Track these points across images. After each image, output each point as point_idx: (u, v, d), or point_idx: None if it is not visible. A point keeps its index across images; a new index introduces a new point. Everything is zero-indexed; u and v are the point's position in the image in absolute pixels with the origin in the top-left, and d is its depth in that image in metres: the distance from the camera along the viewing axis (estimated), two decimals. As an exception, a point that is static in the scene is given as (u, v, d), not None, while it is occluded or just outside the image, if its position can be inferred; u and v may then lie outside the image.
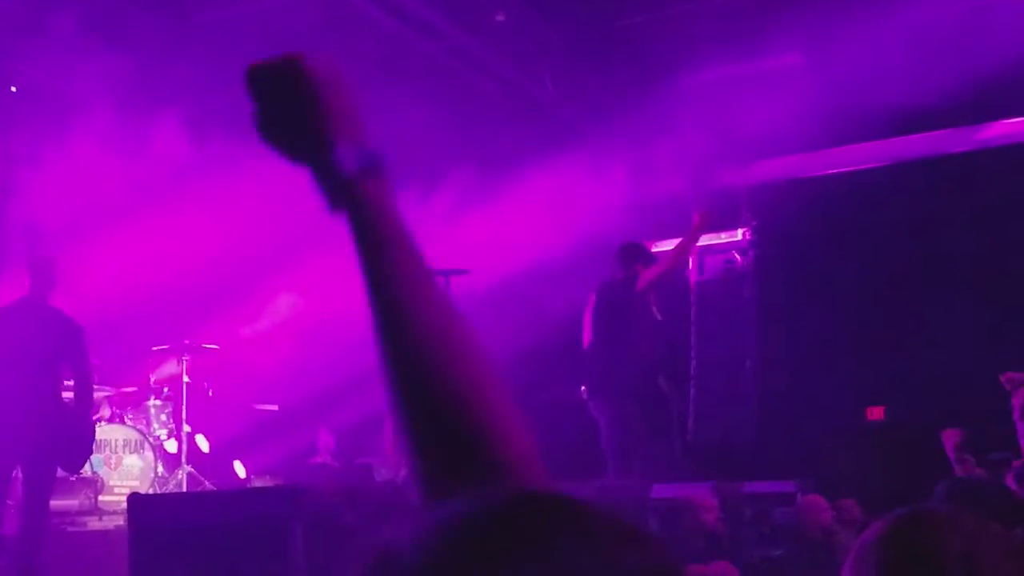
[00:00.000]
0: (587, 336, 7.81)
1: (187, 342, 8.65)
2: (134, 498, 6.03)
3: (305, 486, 5.44)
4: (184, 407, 8.54)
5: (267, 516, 4.35)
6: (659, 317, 7.89)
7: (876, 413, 9.79)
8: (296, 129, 1.28)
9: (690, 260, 10.16)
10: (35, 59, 8.09)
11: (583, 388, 7.71)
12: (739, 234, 10.48)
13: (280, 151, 1.29)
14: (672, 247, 8.08)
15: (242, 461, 9.35)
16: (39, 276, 6.64)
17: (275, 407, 9.77)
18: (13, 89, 8.48)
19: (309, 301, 9.71)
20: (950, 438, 6.14)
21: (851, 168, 10.03)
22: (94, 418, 7.33)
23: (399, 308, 1.19)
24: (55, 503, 7.59)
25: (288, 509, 4.28)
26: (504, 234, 9.18)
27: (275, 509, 4.45)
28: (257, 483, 8.90)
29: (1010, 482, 4.77)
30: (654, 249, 8.35)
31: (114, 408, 8.52)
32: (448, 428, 1.14)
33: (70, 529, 7.31)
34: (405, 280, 1.21)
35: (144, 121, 8.31)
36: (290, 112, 1.28)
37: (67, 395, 6.74)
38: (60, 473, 6.94)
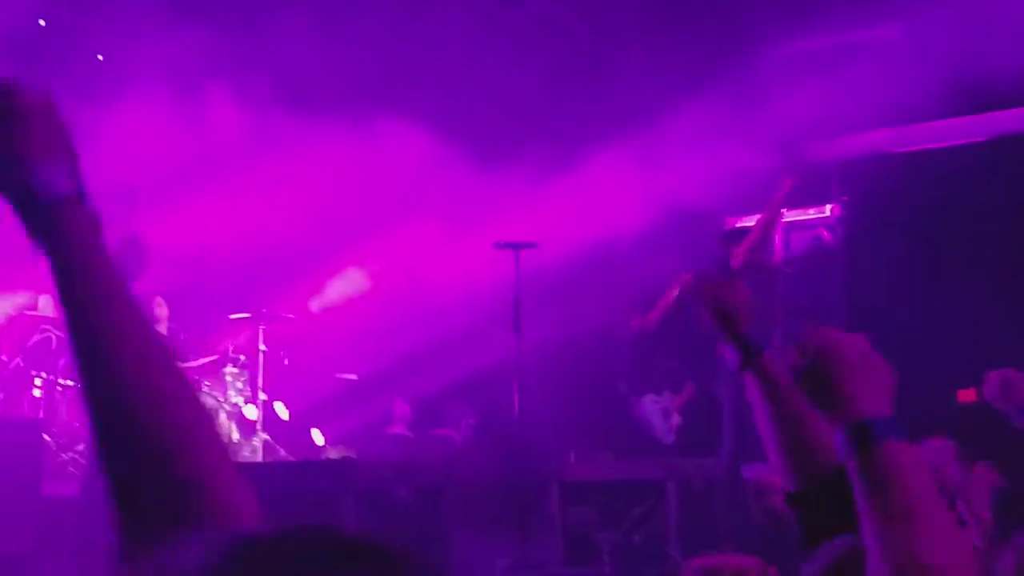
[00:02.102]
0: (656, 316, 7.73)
1: (264, 311, 8.72)
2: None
3: (359, 460, 5.43)
4: (260, 375, 8.62)
5: (320, 489, 4.35)
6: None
7: (967, 396, 9.44)
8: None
9: (775, 236, 9.91)
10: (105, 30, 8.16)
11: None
12: (827, 210, 10.17)
13: None
14: (756, 222, 7.89)
15: (320, 430, 9.40)
16: (124, 258, 6.65)
17: (354, 376, 9.79)
18: (100, 57, 8.59)
19: (385, 272, 9.71)
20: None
21: (948, 143, 9.65)
22: None
23: (98, 344, 1.14)
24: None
25: (340, 483, 4.27)
26: (585, 206, 9.06)
27: (327, 483, 4.44)
28: (332, 453, 8.95)
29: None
30: (740, 224, 8.20)
31: (192, 376, 8.65)
32: (156, 474, 1.09)
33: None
34: (105, 314, 1.15)
35: (220, 92, 8.36)
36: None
37: None
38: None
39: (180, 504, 1.09)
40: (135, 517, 1.10)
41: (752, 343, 1.82)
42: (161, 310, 9.00)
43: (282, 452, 8.38)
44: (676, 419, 8.56)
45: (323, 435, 9.41)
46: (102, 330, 1.15)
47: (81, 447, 7.90)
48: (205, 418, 1.19)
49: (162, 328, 8.94)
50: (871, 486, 1.33)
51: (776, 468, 1.76)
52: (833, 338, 1.47)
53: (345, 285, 10.03)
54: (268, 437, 8.45)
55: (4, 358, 8.10)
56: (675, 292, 7.76)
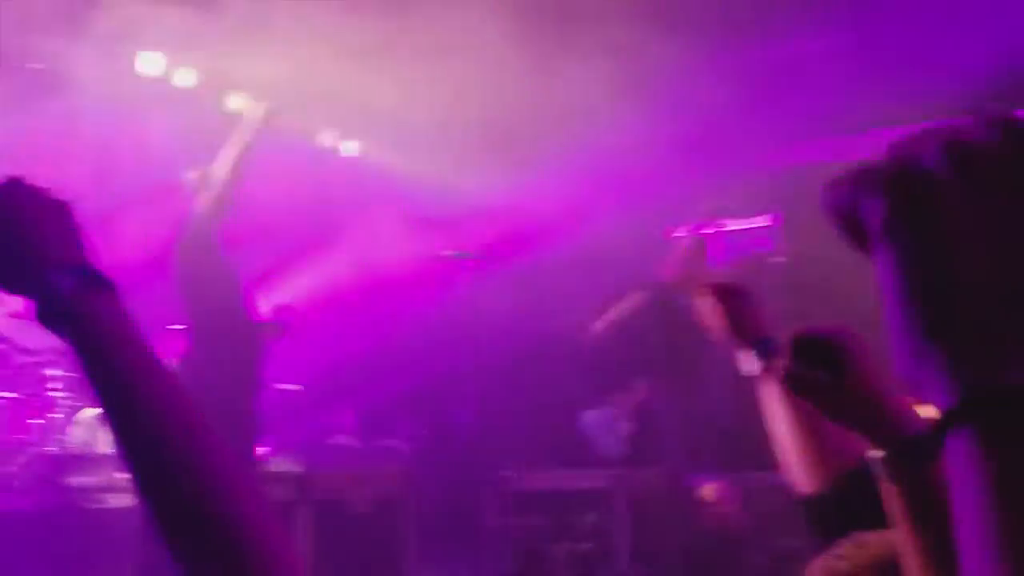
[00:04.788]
0: None
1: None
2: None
3: (314, 472, 5.39)
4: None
5: (274, 501, 4.30)
6: None
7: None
8: (10, 255, 1.24)
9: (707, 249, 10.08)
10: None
11: None
12: (767, 219, 10.32)
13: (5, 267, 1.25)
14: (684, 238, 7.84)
15: (263, 442, 9.30)
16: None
17: (299, 387, 9.70)
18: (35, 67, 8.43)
19: (332, 280, 9.65)
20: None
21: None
22: None
23: (138, 423, 1.15)
24: (74, 479, 7.63)
25: (295, 494, 4.23)
26: (538, 214, 9.08)
27: (282, 494, 4.40)
28: (277, 464, 8.86)
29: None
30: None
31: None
32: (209, 536, 1.11)
33: (89, 506, 7.32)
34: (137, 395, 1.16)
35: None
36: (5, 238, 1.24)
37: None
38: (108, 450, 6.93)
39: (233, 559, 1.10)
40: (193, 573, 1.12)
41: (770, 347, 1.85)
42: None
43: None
44: (626, 426, 8.61)
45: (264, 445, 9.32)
46: (138, 410, 1.16)
47: (21, 460, 7.73)
48: (244, 471, 1.20)
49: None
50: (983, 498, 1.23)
51: (792, 472, 1.78)
52: (846, 339, 1.37)
53: (290, 293, 9.94)
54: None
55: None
56: (632, 299, 7.80)
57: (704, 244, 8.12)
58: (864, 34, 8.52)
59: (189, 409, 1.18)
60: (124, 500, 7.32)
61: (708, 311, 1.97)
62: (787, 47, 8.79)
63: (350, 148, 10.23)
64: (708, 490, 6.06)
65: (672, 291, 7.63)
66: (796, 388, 1.39)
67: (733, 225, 10.01)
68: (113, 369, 1.17)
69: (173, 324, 8.68)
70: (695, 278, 7.71)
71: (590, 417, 8.36)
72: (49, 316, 1.22)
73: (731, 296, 1.98)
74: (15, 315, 8.45)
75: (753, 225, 10.22)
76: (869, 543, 1.41)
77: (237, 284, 6.13)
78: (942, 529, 1.12)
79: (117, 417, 1.16)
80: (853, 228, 0.82)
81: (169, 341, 8.62)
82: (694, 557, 6.15)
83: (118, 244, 8.24)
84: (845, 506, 1.40)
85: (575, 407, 8.15)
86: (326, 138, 10.08)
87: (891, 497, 1.21)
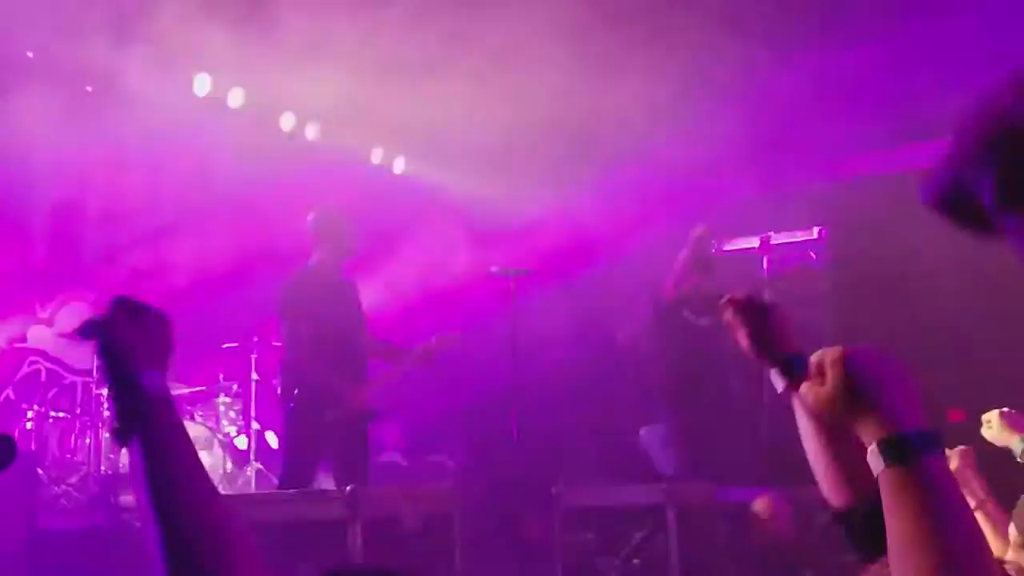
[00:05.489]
0: None
1: (256, 339, 8.68)
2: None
3: (367, 489, 5.39)
4: (253, 404, 8.57)
5: (326, 519, 4.32)
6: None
7: (957, 415, 9.48)
8: (127, 349, 1.56)
9: (764, 258, 9.97)
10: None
11: None
12: (814, 232, 10.23)
13: (111, 363, 1.56)
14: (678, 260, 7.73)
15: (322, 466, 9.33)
16: (327, 238, 6.23)
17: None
18: (89, 89, 8.55)
19: (377, 299, 9.69)
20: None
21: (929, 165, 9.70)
22: None
23: (176, 509, 1.47)
24: (124, 499, 7.71)
25: (347, 512, 4.24)
26: (583, 231, 9.06)
27: (334, 512, 4.41)
28: (325, 482, 8.90)
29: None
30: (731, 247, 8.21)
31: (184, 405, 8.60)
32: None
33: (139, 524, 7.37)
34: (183, 488, 1.49)
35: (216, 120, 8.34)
36: (132, 336, 1.57)
37: None
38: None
39: None
40: None
41: (795, 365, 1.83)
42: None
43: (275, 481, 8.31)
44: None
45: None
46: (180, 501, 1.48)
47: (73, 480, 7.83)
48: (247, 538, 1.54)
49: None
50: (910, 502, 1.30)
51: (824, 487, 1.76)
52: (857, 351, 1.46)
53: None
54: (261, 466, 8.39)
55: (-6, 390, 8.05)
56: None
57: (709, 261, 7.92)
58: (918, 44, 8.44)
59: (213, 491, 1.55)
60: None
61: (732, 327, 1.95)
62: (841, 58, 8.73)
63: (402, 166, 10.29)
64: (760, 504, 5.99)
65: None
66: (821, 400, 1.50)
67: (782, 238, 9.95)
68: (166, 465, 1.50)
69: (228, 342, 8.80)
70: (698, 294, 7.59)
71: (646, 433, 8.31)
72: (127, 410, 1.53)
73: (753, 311, 1.95)
74: (63, 335, 8.58)
75: (802, 238, 10.16)
76: None
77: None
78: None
79: (162, 503, 1.47)
80: (965, 212, 0.77)
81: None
82: (746, 572, 6.09)
83: (172, 259, 8.35)
84: (875, 519, 1.39)
85: (628, 422, 8.09)
86: (378, 156, 10.15)
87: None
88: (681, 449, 7.57)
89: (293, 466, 6.19)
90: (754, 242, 10.18)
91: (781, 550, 6.02)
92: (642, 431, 7.38)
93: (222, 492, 8.01)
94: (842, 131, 8.94)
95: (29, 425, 8.05)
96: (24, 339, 8.42)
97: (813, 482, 1.84)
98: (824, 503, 1.84)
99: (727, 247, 8.29)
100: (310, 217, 6.25)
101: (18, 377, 8.38)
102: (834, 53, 8.58)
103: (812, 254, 10.26)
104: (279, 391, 6.41)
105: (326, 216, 6.25)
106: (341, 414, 5.84)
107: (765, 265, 10.29)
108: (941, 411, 9.54)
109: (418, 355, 6.52)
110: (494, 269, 6.53)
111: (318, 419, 5.94)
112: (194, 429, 8.38)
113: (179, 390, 8.34)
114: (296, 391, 6.10)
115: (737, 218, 9.25)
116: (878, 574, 1.52)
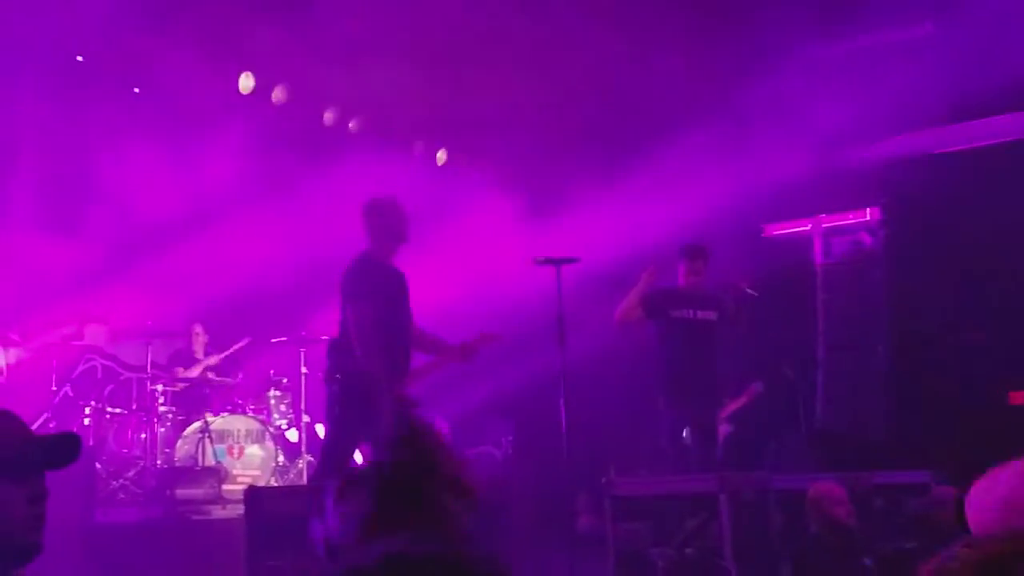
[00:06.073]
0: None
1: (304, 334, 8.72)
2: (251, 491, 6.13)
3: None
4: (303, 397, 8.62)
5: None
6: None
7: (1020, 398, 9.29)
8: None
9: (815, 241, 9.86)
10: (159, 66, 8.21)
11: None
12: (867, 214, 10.07)
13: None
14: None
15: (361, 451, 9.37)
16: (381, 227, 6.20)
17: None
18: (136, 90, 8.64)
19: (423, 290, 9.70)
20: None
21: (986, 143, 9.51)
22: None
23: None
24: (181, 492, 7.79)
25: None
26: (626, 218, 8.99)
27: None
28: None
29: None
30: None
31: (236, 399, 8.68)
32: None
33: (195, 517, 7.47)
34: None
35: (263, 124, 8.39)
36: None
37: None
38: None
39: None
40: None
41: None
42: (200, 337, 9.03)
43: (325, 472, 8.38)
44: (725, 428, 8.45)
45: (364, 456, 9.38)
46: None
47: (131, 474, 7.94)
48: None
49: (199, 353, 8.98)
50: None
51: None
52: None
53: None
54: (312, 459, 8.43)
55: (52, 387, 8.16)
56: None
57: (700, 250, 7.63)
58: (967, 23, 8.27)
59: None
60: (228, 512, 7.46)
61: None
62: (890, 34, 8.59)
63: (444, 157, 10.29)
64: (815, 491, 5.91)
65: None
66: None
67: (835, 220, 9.82)
68: None
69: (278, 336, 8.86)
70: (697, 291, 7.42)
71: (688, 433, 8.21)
72: None
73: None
74: (119, 332, 8.68)
75: (856, 220, 10.01)
76: (982, 544, 1.36)
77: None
78: None
79: None
80: None
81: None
82: (800, 559, 6.00)
83: (219, 257, 8.41)
84: None
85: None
86: (420, 147, 10.15)
87: None
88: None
89: (331, 448, 6.21)
90: (804, 225, 10.08)
91: (838, 537, 5.93)
92: (685, 432, 7.29)
93: (275, 484, 8.10)
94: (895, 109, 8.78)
95: (87, 421, 8.16)
96: (81, 336, 8.52)
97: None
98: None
99: (774, 231, 8.17)
100: (365, 206, 6.25)
101: (75, 374, 8.50)
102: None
103: (865, 236, 10.12)
104: (323, 375, 6.41)
105: (380, 205, 6.25)
106: (383, 401, 5.83)
107: (816, 249, 10.19)
108: (1002, 395, 9.39)
109: (459, 351, 6.48)
110: (540, 258, 6.47)
111: (359, 404, 5.94)
112: (246, 422, 8.45)
113: (226, 382, 8.39)
114: (338, 375, 6.11)
115: (785, 200, 9.13)
116: (936, 565, 1.46)
